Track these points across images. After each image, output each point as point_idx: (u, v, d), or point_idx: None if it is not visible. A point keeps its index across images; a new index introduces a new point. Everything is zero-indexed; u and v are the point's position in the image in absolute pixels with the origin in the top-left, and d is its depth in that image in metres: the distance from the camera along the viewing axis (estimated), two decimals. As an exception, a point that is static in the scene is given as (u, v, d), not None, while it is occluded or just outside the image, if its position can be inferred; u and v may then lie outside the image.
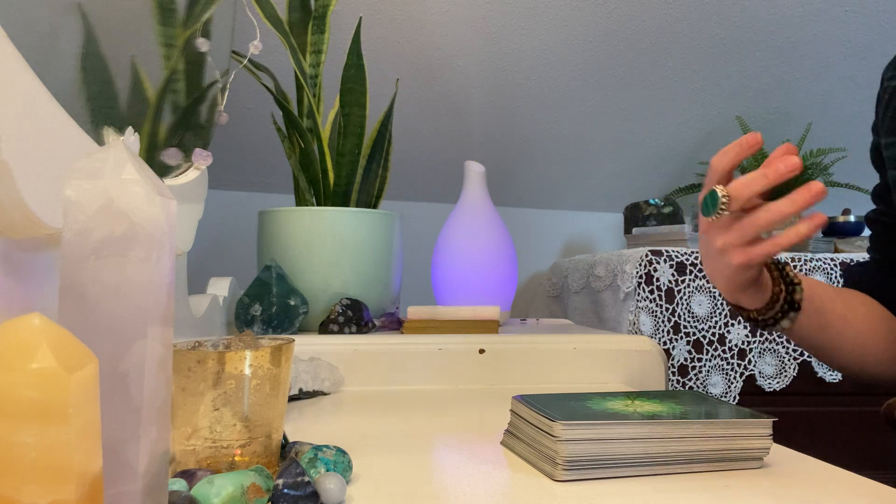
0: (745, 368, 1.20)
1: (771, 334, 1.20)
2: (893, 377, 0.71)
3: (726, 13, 1.37)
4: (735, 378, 1.19)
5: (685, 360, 1.18)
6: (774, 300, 0.64)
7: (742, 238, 0.56)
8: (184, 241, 0.78)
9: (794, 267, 1.21)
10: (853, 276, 0.78)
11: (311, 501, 0.38)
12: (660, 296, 1.16)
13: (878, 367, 0.70)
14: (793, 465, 0.49)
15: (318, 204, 1.08)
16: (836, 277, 1.22)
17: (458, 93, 1.46)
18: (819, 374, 1.22)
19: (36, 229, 0.39)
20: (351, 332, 0.96)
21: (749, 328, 1.19)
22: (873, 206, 0.79)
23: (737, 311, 0.67)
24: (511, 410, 0.53)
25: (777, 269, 0.65)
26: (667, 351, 1.17)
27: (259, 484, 0.37)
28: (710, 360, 1.19)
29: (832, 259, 1.23)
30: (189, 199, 0.77)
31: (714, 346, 1.18)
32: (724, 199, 0.54)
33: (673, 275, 1.17)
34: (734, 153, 0.56)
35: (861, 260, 0.80)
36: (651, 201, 1.52)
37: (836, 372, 1.21)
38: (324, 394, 0.78)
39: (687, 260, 1.19)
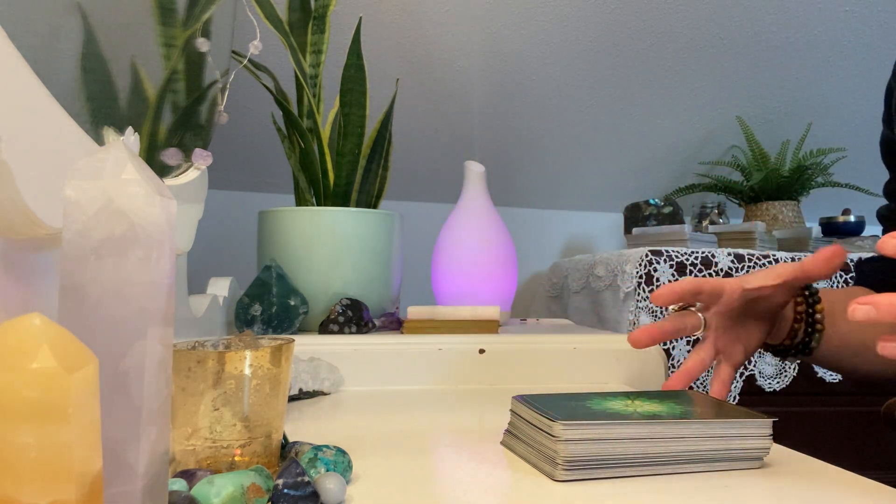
0: (745, 368, 1.20)
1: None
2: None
3: (726, 13, 1.37)
4: (735, 378, 1.19)
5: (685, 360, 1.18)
6: (788, 345, 0.67)
7: None
8: (184, 241, 0.78)
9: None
10: (865, 273, 0.78)
11: (311, 501, 0.38)
12: (660, 296, 1.16)
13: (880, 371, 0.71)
14: (793, 465, 0.49)
15: (318, 204, 1.08)
16: (835, 277, 1.22)
17: (458, 93, 1.46)
18: (819, 375, 1.22)
19: (36, 229, 0.39)
20: (351, 332, 0.96)
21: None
22: (885, 203, 0.77)
23: None
24: (511, 410, 0.53)
25: (805, 311, 0.66)
26: (667, 351, 1.17)
27: (259, 484, 0.37)
28: (710, 360, 1.18)
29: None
30: (189, 199, 0.77)
31: (714, 346, 1.18)
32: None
33: (673, 275, 1.17)
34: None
35: (872, 255, 0.80)
36: (651, 201, 1.52)
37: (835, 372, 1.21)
38: (324, 394, 0.78)
39: (687, 260, 1.19)
